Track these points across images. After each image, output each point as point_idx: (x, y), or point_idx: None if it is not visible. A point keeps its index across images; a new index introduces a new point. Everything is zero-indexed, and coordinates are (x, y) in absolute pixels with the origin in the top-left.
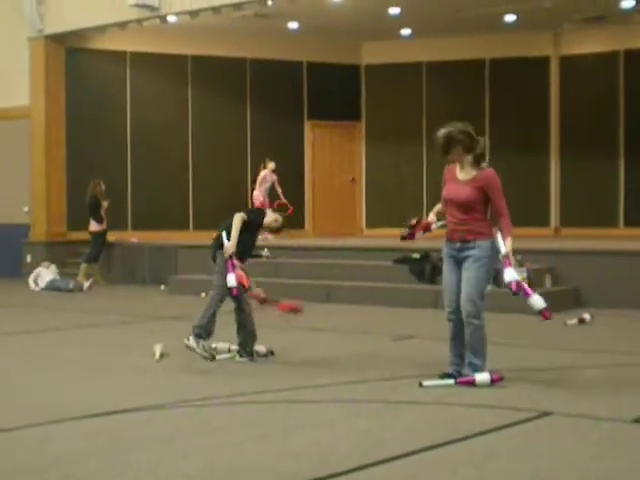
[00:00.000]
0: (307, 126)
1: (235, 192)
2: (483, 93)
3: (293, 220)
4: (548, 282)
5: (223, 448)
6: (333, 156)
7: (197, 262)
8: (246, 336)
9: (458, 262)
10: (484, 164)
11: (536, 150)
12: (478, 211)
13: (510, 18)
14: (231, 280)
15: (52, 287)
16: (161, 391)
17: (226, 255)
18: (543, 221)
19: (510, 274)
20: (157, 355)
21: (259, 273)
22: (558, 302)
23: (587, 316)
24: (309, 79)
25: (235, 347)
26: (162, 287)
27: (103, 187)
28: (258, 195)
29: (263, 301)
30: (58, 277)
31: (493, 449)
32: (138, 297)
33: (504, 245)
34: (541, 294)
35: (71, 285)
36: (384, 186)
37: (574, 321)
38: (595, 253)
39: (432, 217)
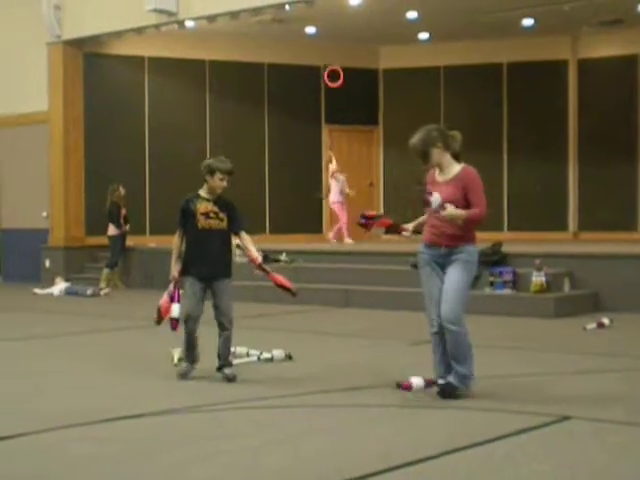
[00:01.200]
0: (325, 131)
1: (253, 197)
2: (501, 97)
3: (312, 223)
4: (567, 286)
5: (239, 453)
6: (351, 161)
7: None
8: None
9: (442, 267)
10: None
11: (554, 154)
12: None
13: (528, 22)
14: (175, 311)
15: (71, 292)
16: (178, 395)
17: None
18: (562, 225)
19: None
20: (175, 359)
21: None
22: (577, 306)
23: (606, 320)
24: (327, 84)
25: (254, 351)
26: (181, 291)
27: (122, 192)
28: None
29: (259, 267)
30: (71, 284)
31: (511, 454)
32: (156, 302)
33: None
34: (560, 299)
35: (89, 291)
36: (402, 190)
37: (593, 325)
38: (614, 257)
39: (409, 226)
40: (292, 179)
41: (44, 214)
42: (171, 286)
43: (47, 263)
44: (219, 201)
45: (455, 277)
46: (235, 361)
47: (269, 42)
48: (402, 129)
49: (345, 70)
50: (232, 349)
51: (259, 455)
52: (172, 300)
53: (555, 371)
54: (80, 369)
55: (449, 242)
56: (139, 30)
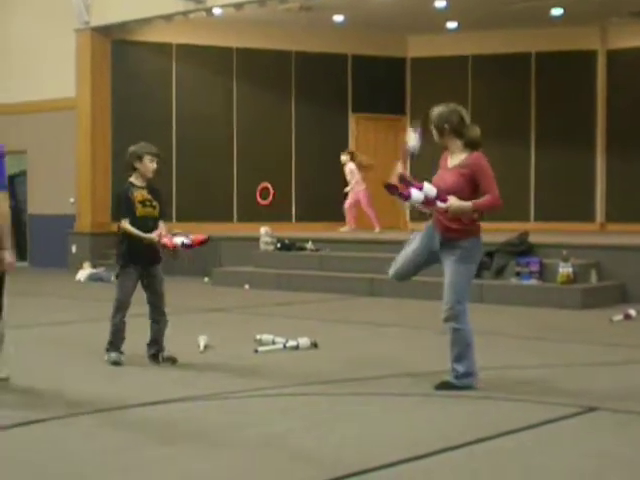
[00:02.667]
0: (351, 119)
1: (280, 185)
2: (529, 87)
3: (338, 212)
4: (594, 277)
5: (266, 440)
6: (377, 149)
7: (241, 254)
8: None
9: (431, 246)
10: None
11: (582, 145)
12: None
13: (557, 11)
14: (179, 239)
15: (95, 278)
16: (204, 382)
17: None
18: (588, 216)
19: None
20: (201, 347)
21: (303, 266)
22: (604, 298)
23: (633, 312)
24: (354, 72)
25: (280, 339)
26: (206, 279)
27: None
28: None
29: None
30: (97, 270)
31: (538, 444)
32: (182, 289)
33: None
34: (587, 290)
35: (113, 277)
36: (429, 179)
37: (620, 317)
38: None
39: (453, 198)
40: (319, 167)
41: (71, 200)
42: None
43: (74, 249)
44: (151, 188)
45: (451, 273)
46: (260, 348)
47: (296, 30)
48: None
49: (373, 59)
50: (258, 336)
51: (284, 442)
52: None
53: (581, 362)
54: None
55: (451, 233)
56: (167, 17)
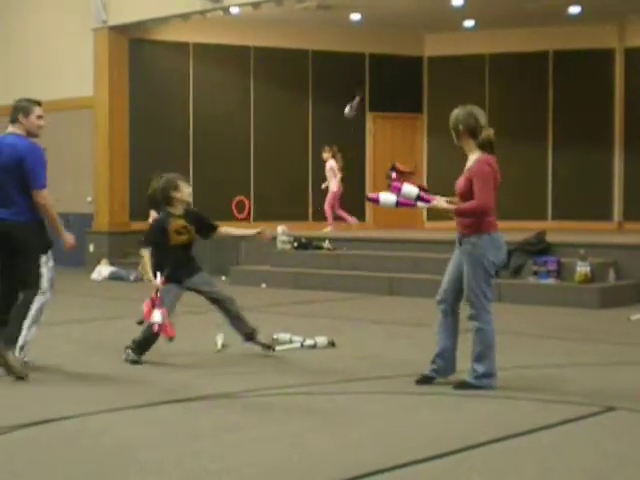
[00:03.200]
0: (369, 118)
1: (297, 184)
2: (546, 86)
3: (356, 211)
4: (611, 276)
5: (286, 438)
6: (394, 148)
7: (258, 253)
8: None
9: (459, 255)
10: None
11: (600, 143)
12: None
13: (574, 10)
14: (157, 316)
15: (115, 277)
16: (222, 381)
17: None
18: (606, 215)
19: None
20: (219, 345)
21: (320, 265)
22: (621, 296)
23: None
24: (371, 71)
25: (297, 338)
26: (223, 278)
27: None
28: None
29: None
30: (117, 269)
31: (556, 444)
32: None
33: (441, 202)
34: (604, 289)
35: (132, 276)
36: (445, 178)
37: (638, 316)
38: None
39: (442, 200)
40: None
41: (89, 199)
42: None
43: (91, 248)
44: (186, 212)
45: (466, 275)
46: (278, 347)
47: (314, 29)
48: (446, 117)
49: (390, 57)
50: (275, 335)
51: (304, 441)
52: (153, 306)
53: (599, 362)
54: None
55: (459, 229)
56: (184, 16)
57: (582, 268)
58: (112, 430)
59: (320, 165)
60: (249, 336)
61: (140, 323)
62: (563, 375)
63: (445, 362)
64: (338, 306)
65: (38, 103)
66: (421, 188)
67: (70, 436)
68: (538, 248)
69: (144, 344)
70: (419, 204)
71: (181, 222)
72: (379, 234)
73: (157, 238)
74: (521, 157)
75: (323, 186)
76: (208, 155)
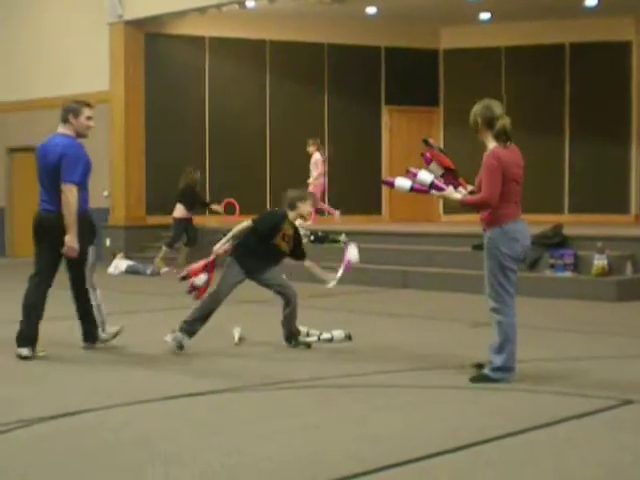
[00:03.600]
0: (384, 111)
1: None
2: (563, 78)
3: (372, 205)
4: (629, 269)
5: (301, 431)
6: (410, 141)
7: None
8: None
9: None
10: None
11: (617, 136)
12: None
13: (591, 2)
14: (201, 279)
15: (132, 271)
16: (240, 374)
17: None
18: (623, 208)
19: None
20: (236, 338)
21: (336, 258)
22: (639, 289)
23: None
24: (387, 64)
25: (314, 331)
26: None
27: (198, 175)
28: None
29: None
30: (134, 262)
31: (573, 437)
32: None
33: (452, 192)
34: (622, 282)
35: (148, 271)
36: (462, 171)
37: None
38: None
39: (452, 190)
40: (352, 160)
41: (105, 193)
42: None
43: (107, 242)
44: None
45: (485, 269)
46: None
47: (329, 22)
48: (462, 110)
49: (406, 50)
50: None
51: (322, 434)
52: (205, 269)
53: (617, 355)
54: (144, 347)
55: (482, 224)
56: (200, 10)
57: (599, 261)
58: (132, 423)
59: (336, 159)
60: (290, 336)
61: (184, 278)
62: (580, 368)
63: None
64: (353, 299)
65: (88, 104)
66: (449, 169)
67: (91, 429)
68: (555, 241)
69: (196, 327)
70: (432, 192)
71: (291, 232)
72: (394, 227)
73: (267, 230)
74: (538, 150)
75: (310, 181)
76: (224, 149)
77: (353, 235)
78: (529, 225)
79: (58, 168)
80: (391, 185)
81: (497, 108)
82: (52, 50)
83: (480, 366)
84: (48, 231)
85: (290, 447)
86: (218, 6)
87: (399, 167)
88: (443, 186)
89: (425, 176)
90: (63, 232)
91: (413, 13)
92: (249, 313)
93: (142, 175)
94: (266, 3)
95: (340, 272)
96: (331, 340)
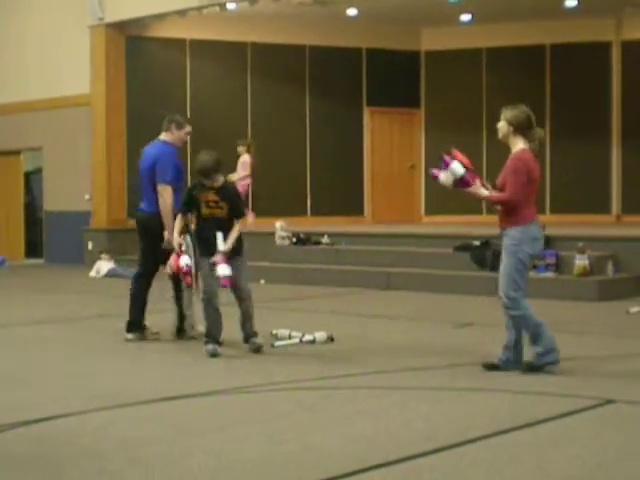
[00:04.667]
0: (366, 113)
1: (295, 179)
2: (544, 79)
3: (354, 206)
4: (610, 269)
5: (286, 434)
6: (392, 143)
7: (256, 249)
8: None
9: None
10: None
11: (597, 137)
12: None
13: (571, 3)
14: (225, 269)
15: (113, 274)
16: (223, 377)
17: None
18: (604, 208)
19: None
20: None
21: (319, 260)
22: (620, 290)
23: None
24: (368, 66)
25: (296, 333)
26: (262, 281)
27: None
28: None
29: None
30: (116, 265)
31: (556, 437)
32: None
33: (479, 188)
34: (603, 282)
35: (131, 274)
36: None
37: (636, 309)
38: None
39: (479, 186)
40: (333, 161)
41: (87, 197)
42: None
43: (90, 245)
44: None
45: (503, 263)
46: (277, 343)
47: (310, 24)
48: (444, 111)
49: (387, 52)
50: (274, 331)
51: (303, 436)
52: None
53: (598, 354)
54: (129, 350)
55: (500, 223)
56: (181, 12)
57: (580, 261)
58: (111, 427)
59: (317, 160)
60: (246, 337)
61: (174, 276)
62: (562, 368)
63: (509, 353)
64: (336, 301)
65: (190, 122)
66: (469, 168)
67: (71, 433)
68: None
69: (213, 330)
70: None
71: (213, 196)
72: (377, 229)
73: (185, 207)
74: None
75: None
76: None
77: (336, 236)
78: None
79: (153, 172)
80: (434, 177)
81: (533, 117)
82: (33, 54)
83: (493, 366)
84: (144, 229)
85: (272, 449)
86: (199, 8)
87: (381, 168)
88: (471, 182)
89: (457, 168)
90: (158, 229)
91: (394, 14)
92: (230, 316)
93: (124, 178)
94: (247, 5)
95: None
96: (313, 342)
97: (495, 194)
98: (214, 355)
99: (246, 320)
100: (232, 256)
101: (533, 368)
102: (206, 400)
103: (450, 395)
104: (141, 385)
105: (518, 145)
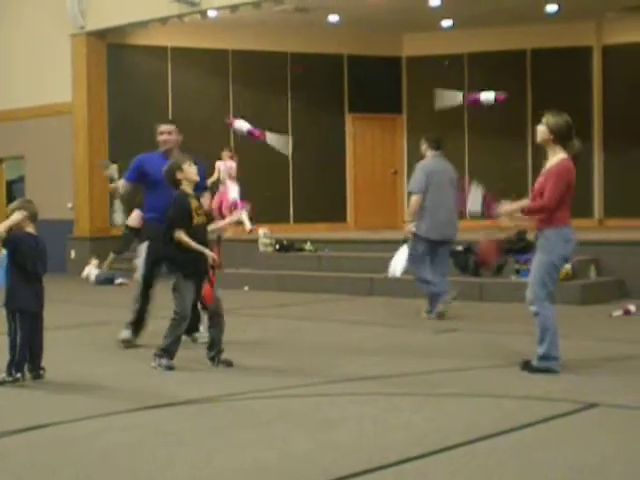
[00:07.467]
0: (348, 119)
1: (278, 186)
2: (525, 84)
3: (336, 213)
4: (593, 273)
5: (269, 441)
6: (374, 149)
7: (240, 256)
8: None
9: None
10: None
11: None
12: None
13: (552, 8)
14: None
15: (100, 281)
16: (208, 384)
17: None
18: (587, 212)
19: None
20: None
21: (303, 267)
22: (603, 293)
23: (632, 307)
24: (350, 72)
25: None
26: (246, 288)
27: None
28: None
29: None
30: (100, 272)
31: (539, 441)
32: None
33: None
34: (586, 286)
35: (117, 280)
36: None
37: (619, 312)
38: (639, 243)
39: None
40: (316, 168)
41: (69, 205)
42: None
43: (72, 254)
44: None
45: (535, 262)
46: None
47: (292, 31)
48: (426, 117)
49: (368, 58)
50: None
51: (287, 444)
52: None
53: (581, 358)
54: (113, 358)
55: (537, 224)
56: (162, 20)
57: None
58: (97, 437)
59: (300, 167)
60: (213, 359)
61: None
62: (545, 372)
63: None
64: (319, 308)
65: (167, 121)
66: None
67: (56, 442)
68: (519, 246)
69: (172, 347)
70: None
71: (195, 202)
72: (359, 235)
73: (185, 218)
74: (501, 155)
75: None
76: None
77: (319, 243)
78: (494, 230)
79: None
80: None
81: (574, 129)
82: (14, 62)
83: (527, 363)
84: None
85: (256, 458)
86: (180, 16)
87: (363, 175)
88: (493, 208)
89: (475, 200)
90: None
91: (375, 21)
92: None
93: (106, 186)
94: (228, 13)
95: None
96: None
97: (532, 203)
98: (171, 368)
99: (221, 336)
100: (208, 269)
101: (528, 368)
102: (191, 408)
103: (432, 401)
104: (125, 392)
105: (559, 154)
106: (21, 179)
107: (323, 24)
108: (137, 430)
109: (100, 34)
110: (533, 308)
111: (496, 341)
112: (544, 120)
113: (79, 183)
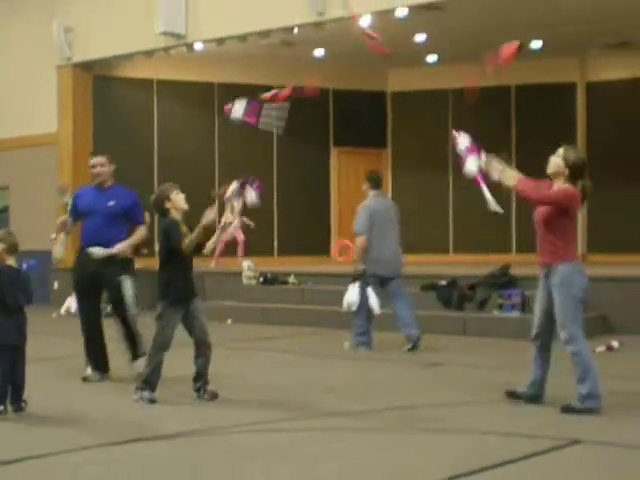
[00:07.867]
0: (333, 153)
1: (261, 219)
2: (509, 120)
3: (320, 246)
4: None
5: (251, 475)
6: (359, 183)
7: (223, 288)
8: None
9: (546, 287)
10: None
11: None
12: (554, 230)
13: (536, 44)
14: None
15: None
16: (191, 418)
17: None
18: None
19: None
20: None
21: (286, 300)
22: (586, 329)
23: (615, 343)
24: (335, 106)
25: None
26: (229, 321)
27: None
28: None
29: None
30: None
31: (521, 478)
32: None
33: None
34: None
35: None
36: (410, 213)
37: (602, 348)
38: (623, 279)
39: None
40: (300, 201)
41: (52, 236)
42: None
43: (55, 285)
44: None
45: (557, 302)
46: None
47: (277, 65)
48: (411, 152)
49: (354, 93)
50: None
51: (270, 477)
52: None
53: (565, 394)
54: (92, 391)
55: (545, 259)
56: (148, 53)
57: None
58: (85, 468)
59: (284, 200)
60: (199, 390)
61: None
62: (528, 409)
63: (534, 390)
64: (303, 341)
65: (94, 153)
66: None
67: (38, 474)
68: (502, 281)
69: (152, 378)
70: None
71: (184, 228)
72: (343, 269)
73: (180, 236)
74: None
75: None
76: None
77: (302, 276)
78: (478, 265)
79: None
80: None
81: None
82: (2, 92)
83: (512, 394)
84: None
85: None
86: (166, 49)
87: (347, 208)
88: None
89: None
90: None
91: (361, 56)
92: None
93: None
94: (214, 46)
95: None
96: None
97: (529, 184)
98: (153, 401)
99: (207, 366)
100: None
101: (573, 410)
102: (173, 442)
103: (414, 438)
104: (105, 426)
105: (562, 184)
106: (5, 209)
107: (309, 58)
108: (117, 464)
109: (86, 66)
110: (570, 348)
111: (480, 375)
112: (561, 152)
113: (63, 214)
